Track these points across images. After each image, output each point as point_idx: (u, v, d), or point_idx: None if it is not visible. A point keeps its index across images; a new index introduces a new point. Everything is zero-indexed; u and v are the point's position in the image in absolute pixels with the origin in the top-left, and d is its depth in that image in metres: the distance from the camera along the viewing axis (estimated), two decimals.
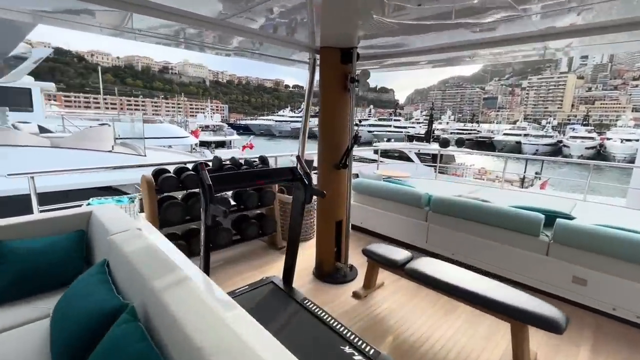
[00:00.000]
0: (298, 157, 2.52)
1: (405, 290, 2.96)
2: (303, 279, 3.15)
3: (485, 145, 55.56)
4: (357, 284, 3.03)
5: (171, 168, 3.26)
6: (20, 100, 12.17)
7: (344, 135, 2.94)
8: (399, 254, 2.68)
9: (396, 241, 4.02)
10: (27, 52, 7.79)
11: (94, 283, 1.49)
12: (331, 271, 3.19)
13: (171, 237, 3.12)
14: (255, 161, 3.82)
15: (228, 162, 3.52)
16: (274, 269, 3.34)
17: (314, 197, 3.53)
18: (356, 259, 3.52)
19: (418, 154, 17.71)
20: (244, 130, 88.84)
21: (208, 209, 1.79)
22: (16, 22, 5.40)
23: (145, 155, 7.36)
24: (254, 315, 2.09)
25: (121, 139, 9.56)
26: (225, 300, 1.51)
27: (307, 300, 2.43)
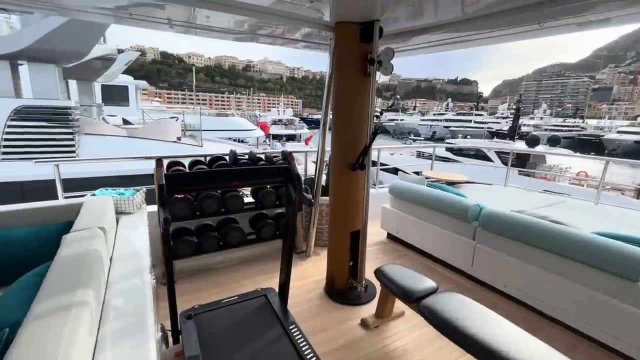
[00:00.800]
0: (285, 153, 2.10)
1: (430, 327, 2.35)
2: (311, 293, 2.77)
3: (590, 144, 46.06)
4: (372, 308, 2.52)
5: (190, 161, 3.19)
6: (120, 96, 14.22)
7: (361, 130, 2.43)
8: (419, 283, 2.10)
9: (434, 259, 3.34)
10: (115, 54, 8.90)
11: (22, 287, 1.36)
12: (343, 289, 2.74)
13: (182, 232, 3.05)
14: (277, 156, 3.54)
15: (245, 156, 3.30)
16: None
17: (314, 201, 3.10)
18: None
19: (499, 153, 15.60)
20: (316, 124, 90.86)
21: (159, 212, 1.54)
22: (91, 23, 6.15)
23: (201, 146, 7.78)
24: (221, 336, 1.79)
25: (190, 130, 10.37)
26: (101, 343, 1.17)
27: (294, 327, 2.05)
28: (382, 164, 5.27)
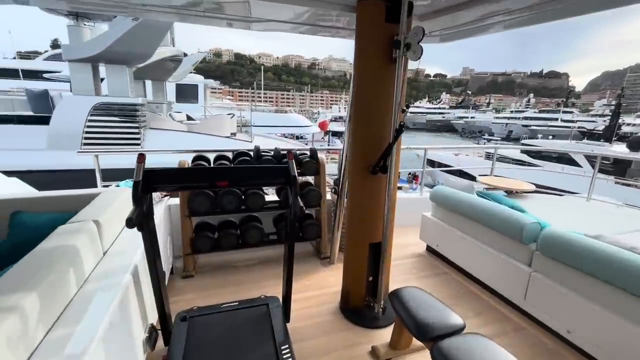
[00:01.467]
0: (289, 153, 1.83)
1: None
2: (325, 306, 2.51)
3: None
4: (389, 334, 2.17)
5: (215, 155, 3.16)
6: (191, 94, 15.55)
7: (384, 126, 2.08)
8: (440, 317, 1.70)
9: (479, 282, 2.80)
10: (181, 56, 9.67)
11: None
12: (359, 306, 2.42)
13: (204, 227, 3.04)
14: (304, 154, 3.34)
15: (270, 153, 3.17)
16: (303, 281, 2.83)
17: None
18: None
19: (590, 158, 13.28)
20: None
21: (134, 210, 1.44)
22: (155, 24, 6.71)
23: (251, 142, 8.00)
24: (207, 347, 1.66)
25: (248, 126, 10.81)
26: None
27: (286, 348, 1.82)
28: (443, 165, 4.71)
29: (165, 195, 2.19)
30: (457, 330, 1.63)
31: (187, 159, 2.99)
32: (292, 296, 2.64)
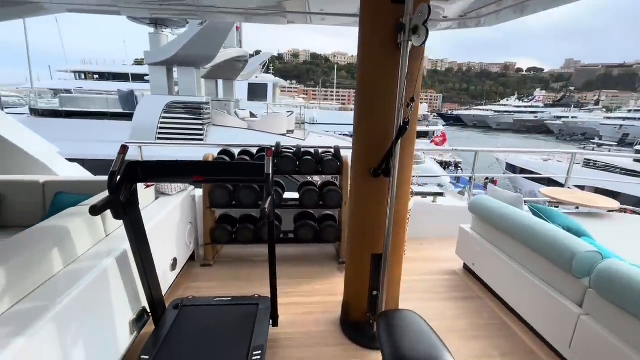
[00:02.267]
0: (269, 150, 1.69)
1: None
2: (326, 315, 2.35)
3: None
4: None
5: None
6: (260, 93, 16.54)
7: (388, 124, 1.82)
8: (424, 352, 1.41)
9: (516, 315, 2.31)
10: (246, 56, 10.28)
11: None
12: (361, 321, 2.20)
13: (224, 219, 3.14)
14: (328, 152, 3.19)
15: (290, 149, 3.10)
16: (313, 285, 2.72)
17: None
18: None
19: None
20: (455, 121, 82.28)
21: (104, 199, 1.48)
22: (216, 29, 7.23)
23: (304, 140, 8.10)
24: (188, 338, 1.69)
25: (310, 124, 11.02)
26: None
27: (258, 354, 1.72)
28: (526, 171, 4.11)
29: (148, 186, 2.30)
30: None
31: (214, 152, 3.12)
32: (296, 299, 2.55)
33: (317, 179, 3.62)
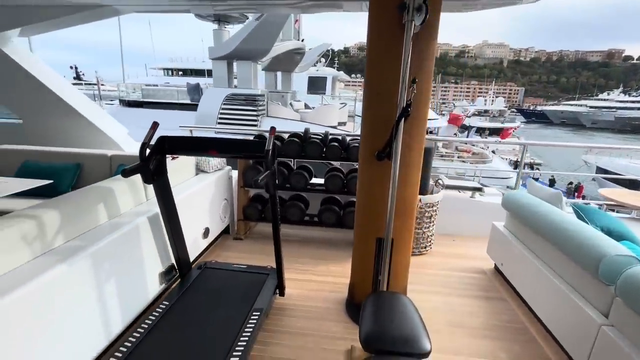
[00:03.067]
0: (272, 129, 1.82)
1: None
2: (334, 295, 2.44)
3: None
4: None
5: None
6: (320, 85, 16.84)
7: (394, 106, 1.81)
8: (401, 332, 1.43)
9: (539, 321, 2.12)
10: (304, 48, 10.55)
11: None
12: None
13: (256, 198, 3.40)
14: (355, 139, 3.21)
15: (318, 135, 3.21)
16: (329, 266, 2.82)
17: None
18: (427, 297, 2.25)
19: None
20: (538, 117, 72.76)
21: (135, 165, 1.76)
22: (270, 24, 7.54)
23: (352, 131, 8.11)
24: (203, 295, 1.96)
25: (356, 116, 10.98)
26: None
27: (256, 315, 1.89)
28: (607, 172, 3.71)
29: (174, 158, 2.58)
30: (414, 354, 1.33)
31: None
32: (311, 277, 2.69)
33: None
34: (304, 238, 3.37)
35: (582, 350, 1.66)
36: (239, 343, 1.69)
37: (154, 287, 2.12)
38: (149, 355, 1.63)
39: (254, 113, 8.08)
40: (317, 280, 2.64)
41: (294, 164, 3.44)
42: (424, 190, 3.03)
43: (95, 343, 1.64)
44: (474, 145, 16.33)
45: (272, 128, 1.84)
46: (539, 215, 2.20)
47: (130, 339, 1.70)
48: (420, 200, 2.90)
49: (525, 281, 2.30)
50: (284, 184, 3.20)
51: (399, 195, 1.95)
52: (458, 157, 15.62)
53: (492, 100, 44.44)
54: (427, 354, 1.33)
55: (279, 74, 11.69)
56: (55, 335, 1.40)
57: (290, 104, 10.76)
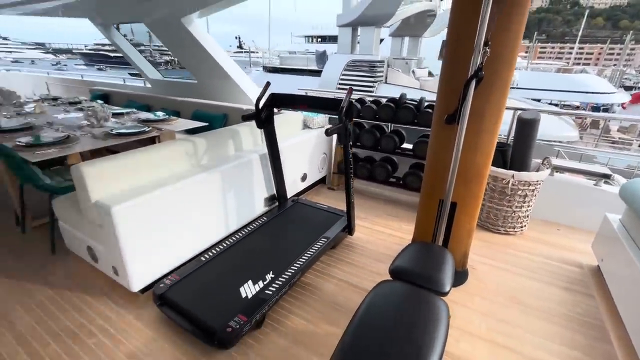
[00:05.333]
0: (349, 89, 2.05)
1: None
2: (395, 247, 2.70)
3: None
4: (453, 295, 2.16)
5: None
6: None
7: (467, 67, 1.83)
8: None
9: (621, 325, 1.88)
10: (434, 9, 9.63)
11: None
12: None
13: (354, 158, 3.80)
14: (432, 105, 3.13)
15: (414, 101, 3.27)
16: (401, 223, 3.06)
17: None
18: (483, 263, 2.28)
19: None
20: None
21: (251, 113, 2.39)
22: None
23: None
24: (287, 221, 2.57)
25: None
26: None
27: (324, 239, 2.36)
28: None
29: (279, 110, 3.06)
30: (432, 290, 1.54)
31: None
32: (382, 229, 3.01)
33: None
34: (388, 197, 3.63)
35: None
36: (304, 255, 2.22)
37: (260, 206, 2.87)
38: (248, 247, 2.35)
39: (371, 80, 8.25)
40: (386, 232, 2.93)
41: (389, 128, 3.64)
42: (521, 167, 2.78)
43: (218, 231, 2.47)
44: None
45: (350, 88, 2.15)
46: None
47: (238, 235, 2.47)
48: (513, 176, 2.70)
49: (623, 284, 1.99)
50: (375, 145, 3.47)
51: (467, 160, 2.01)
52: None
53: None
54: (444, 294, 1.52)
55: (406, 39, 11.20)
56: (198, 215, 2.24)
57: (413, 71, 10.32)
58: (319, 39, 26.67)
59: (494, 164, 2.62)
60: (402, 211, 3.32)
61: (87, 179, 1.80)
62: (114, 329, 1.82)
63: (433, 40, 14.09)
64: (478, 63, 1.71)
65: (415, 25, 10.01)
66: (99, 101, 4.74)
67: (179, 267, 2.15)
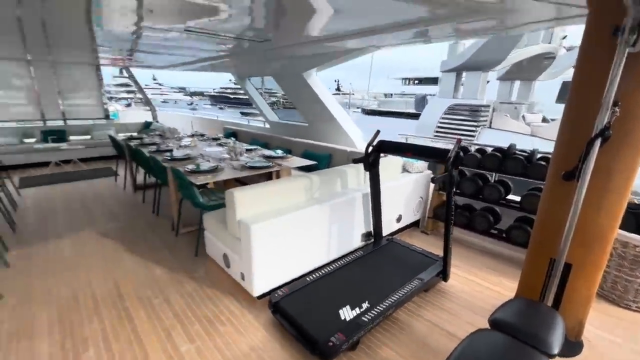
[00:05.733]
0: (458, 139, 2.12)
1: None
2: (493, 301, 2.56)
3: None
4: None
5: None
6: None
7: (592, 123, 1.80)
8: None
9: None
10: (554, 52, 8.84)
11: None
12: None
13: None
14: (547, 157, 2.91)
15: (525, 153, 3.15)
16: (501, 279, 2.90)
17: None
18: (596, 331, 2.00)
19: None
20: None
21: (360, 157, 2.70)
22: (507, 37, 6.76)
23: None
24: (372, 259, 2.78)
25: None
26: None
27: (417, 281, 2.41)
28: None
29: (385, 155, 3.20)
30: (539, 349, 1.50)
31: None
32: (480, 281, 2.93)
33: None
34: (486, 249, 3.46)
35: None
36: (399, 292, 2.34)
37: (357, 240, 3.13)
38: (347, 276, 2.59)
39: (474, 124, 7.95)
40: (483, 284, 2.81)
41: (493, 178, 3.55)
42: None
43: (321, 257, 2.80)
44: None
45: (458, 139, 2.30)
46: None
47: (337, 263, 2.74)
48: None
49: None
50: (477, 194, 3.42)
51: (587, 220, 1.92)
52: None
53: None
54: (552, 356, 1.47)
55: (516, 82, 10.50)
56: (308, 241, 2.62)
57: (523, 116, 9.52)
58: (416, 81, 26.91)
59: (624, 228, 2.34)
60: (502, 265, 3.12)
61: (237, 202, 2.37)
62: (238, 323, 2.26)
63: (550, 83, 12.83)
64: (605, 122, 1.70)
65: (529, 68, 9.39)
66: (232, 138, 5.90)
67: (289, 282, 2.52)
